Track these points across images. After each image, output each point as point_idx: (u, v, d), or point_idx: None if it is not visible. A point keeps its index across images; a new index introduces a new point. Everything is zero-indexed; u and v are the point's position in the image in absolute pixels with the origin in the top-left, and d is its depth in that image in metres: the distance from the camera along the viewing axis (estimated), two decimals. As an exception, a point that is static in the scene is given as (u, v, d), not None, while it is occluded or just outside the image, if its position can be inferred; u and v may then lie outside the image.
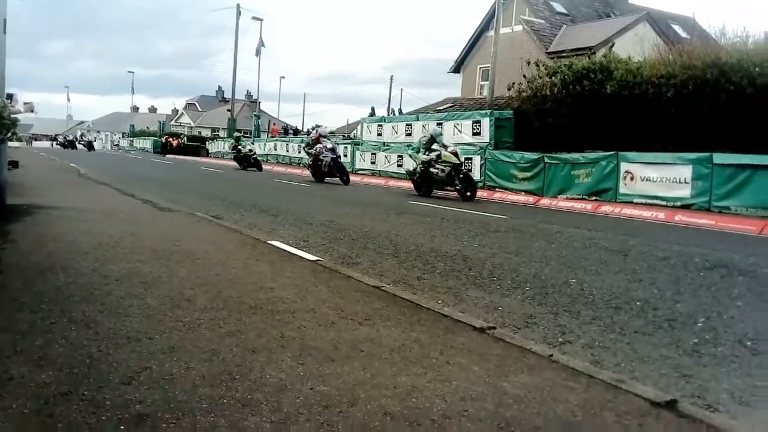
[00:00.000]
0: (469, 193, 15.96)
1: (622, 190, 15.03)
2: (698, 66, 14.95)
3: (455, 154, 16.32)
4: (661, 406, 2.72)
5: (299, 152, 31.25)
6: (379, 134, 25.51)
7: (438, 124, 21.80)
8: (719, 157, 13.09)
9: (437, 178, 16.51)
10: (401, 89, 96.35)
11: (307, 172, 22.40)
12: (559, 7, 29.29)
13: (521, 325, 4.27)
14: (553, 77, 18.55)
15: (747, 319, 4.62)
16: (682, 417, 2.64)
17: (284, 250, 6.43)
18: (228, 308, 4.01)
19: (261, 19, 42.64)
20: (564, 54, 22.00)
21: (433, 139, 16.97)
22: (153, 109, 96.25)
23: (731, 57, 14.53)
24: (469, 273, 5.93)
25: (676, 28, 28.09)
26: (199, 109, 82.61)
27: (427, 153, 16.66)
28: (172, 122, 78.61)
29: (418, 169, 17.08)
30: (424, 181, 16.98)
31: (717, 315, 4.70)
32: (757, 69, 13.54)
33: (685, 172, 13.78)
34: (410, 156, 19.13)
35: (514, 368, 3.15)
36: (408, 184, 20.44)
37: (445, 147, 16.71)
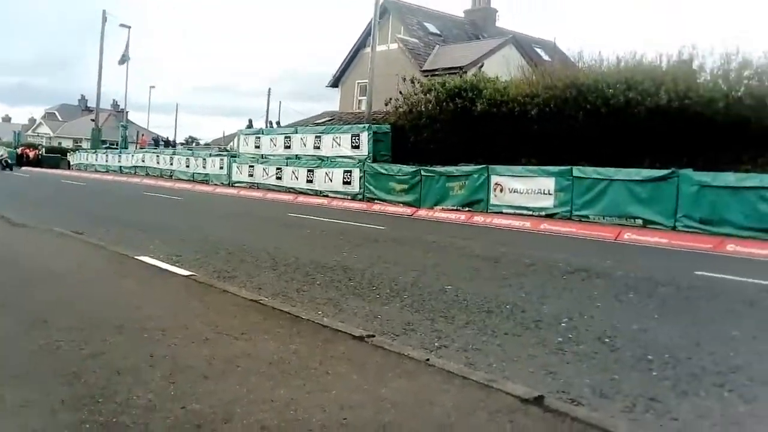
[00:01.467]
0: None
1: (493, 201, 15.78)
2: (559, 86, 16.09)
3: None
4: (529, 403, 2.86)
5: (171, 164, 30.09)
6: (257, 146, 25.05)
7: (317, 137, 21.82)
8: (578, 171, 14.13)
9: None
10: (280, 102, 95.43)
11: (181, 185, 25.13)
12: (432, 28, 30.40)
13: (400, 332, 4.33)
14: (428, 94, 19.17)
15: (605, 318, 5.00)
16: (549, 411, 2.79)
17: (154, 266, 6.10)
18: (90, 328, 3.73)
19: (129, 27, 40.48)
20: (437, 72, 22.82)
21: None
22: (8, 119, 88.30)
23: (588, 78, 15.78)
24: (349, 283, 5.94)
25: (539, 51, 30.10)
26: (60, 119, 76.90)
27: None
28: (29, 132, 72.62)
29: None
30: None
31: (579, 315, 5.04)
32: (610, 90, 14.79)
33: (549, 184, 14.74)
34: None
35: (393, 374, 3.18)
36: (287, 197, 20.26)
37: None
